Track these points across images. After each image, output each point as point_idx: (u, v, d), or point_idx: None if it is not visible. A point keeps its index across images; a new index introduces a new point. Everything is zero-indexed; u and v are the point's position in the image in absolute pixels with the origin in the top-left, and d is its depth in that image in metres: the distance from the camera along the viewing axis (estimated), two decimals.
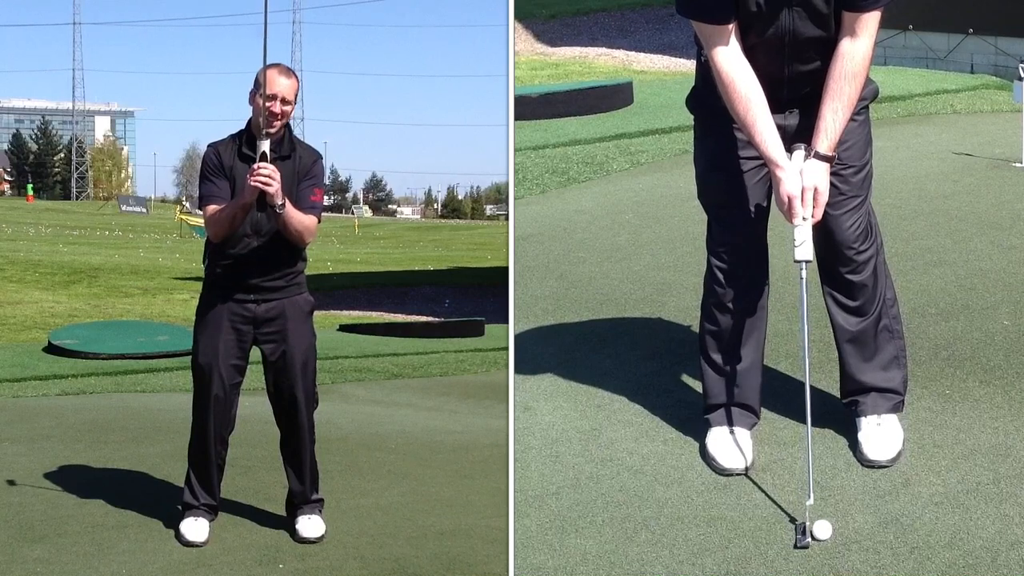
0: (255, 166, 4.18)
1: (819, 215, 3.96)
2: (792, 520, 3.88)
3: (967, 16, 13.36)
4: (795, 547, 3.74)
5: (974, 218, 6.99)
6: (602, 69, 15.73)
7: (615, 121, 11.61)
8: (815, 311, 5.29)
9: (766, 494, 4.05)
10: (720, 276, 4.27)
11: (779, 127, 4.04)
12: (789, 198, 3.91)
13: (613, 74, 15.13)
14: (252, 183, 4.17)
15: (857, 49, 3.88)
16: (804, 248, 3.94)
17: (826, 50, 3.93)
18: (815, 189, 3.92)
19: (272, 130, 4.32)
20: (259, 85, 4.31)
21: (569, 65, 15.95)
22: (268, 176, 4.17)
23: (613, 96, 12.48)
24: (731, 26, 3.89)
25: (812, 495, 3.82)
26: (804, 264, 3.96)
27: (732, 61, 3.91)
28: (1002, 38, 13.13)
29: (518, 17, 17.83)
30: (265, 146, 4.22)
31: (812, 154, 3.93)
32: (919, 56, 13.77)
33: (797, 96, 4.03)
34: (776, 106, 4.01)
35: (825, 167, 3.94)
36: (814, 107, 3.98)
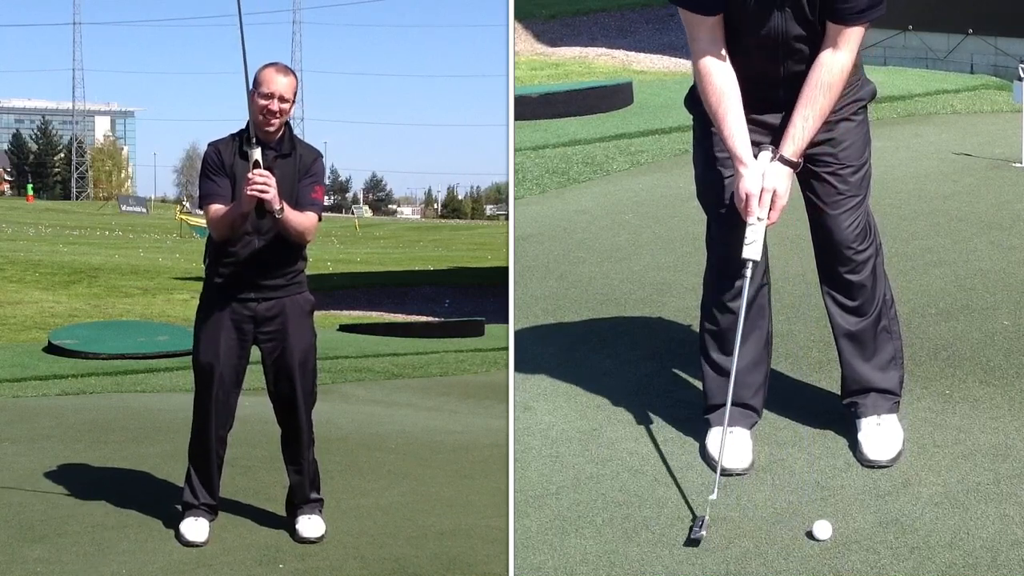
0: (249, 174, 4.18)
1: (775, 218, 4.00)
2: (792, 520, 3.88)
3: (967, 16, 13.35)
4: (687, 541, 3.77)
5: (974, 218, 6.99)
6: (602, 69, 15.72)
7: (615, 121, 11.61)
8: (815, 311, 5.30)
9: (765, 495, 4.05)
10: (720, 275, 4.27)
11: (773, 127, 4.05)
12: (747, 195, 3.95)
13: (613, 74, 15.12)
14: (249, 192, 4.17)
15: (836, 61, 3.91)
16: (753, 247, 4.00)
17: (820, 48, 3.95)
18: (774, 191, 3.95)
19: (270, 128, 4.33)
20: (257, 84, 4.31)
21: (569, 65, 15.95)
22: (264, 183, 4.17)
23: (613, 96, 12.47)
24: (716, 19, 3.92)
25: (716, 491, 3.89)
26: (750, 263, 4.01)
27: (711, 54, 3.95)
28: (1002, 38, 13.12)
29: (518, 17, 17.82)
30: (257, 154, 4.21)
31: (776, 157, 3.96)
32: (919, 56, 13.77)
33: (792, 97, 4.03)
34: (772, 106, 4.03)
35: (788, 172, 3.98)
36: None
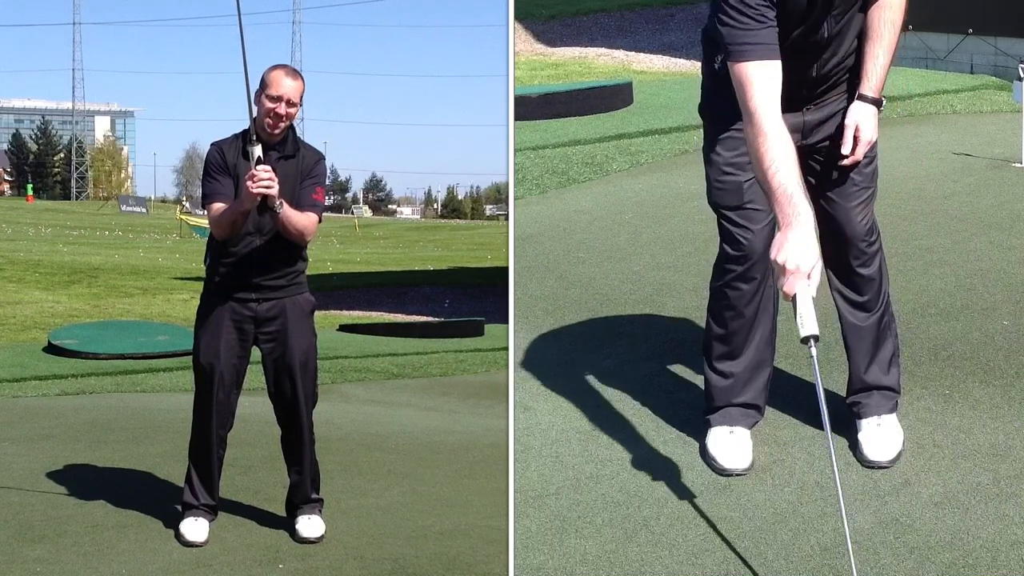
0: (252, 172, 4.19)
1: (861, 155, 3.98)
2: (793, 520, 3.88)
3: (967, 16, 13.35)
4: None
5: (974, 218, 7.00)
6: (602, 69, 15.73)
7: (615, 121, 11.60)
8: (816, 311, 5.30)
9: (765, 495, 4.05)
10: (729, 278, 4.25)
11: (797, 123, 4.05)
12: (796, 267, 3.47)
13: (613, 74, 15.13)
14: (254, 190, 4.17)
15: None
16: (810, 323, 3.48)
17: (849, 44, 3.98)
18: (856, 127, 3.96)
19: (276, 132, 4.33)
20: (265, 85, 4.31)
21: (569, 65, 15.96)
22: (268, 180, 4.18)
23: (613, 96, 12.46)
24: (776, 62, 3.70)
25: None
26: (812, 340, 3.50)
27: (770, 108, 3.65)
28: (1002, 38, 13.12)
29: (518, 17, 17.83)
30: (258, 151, 4.23)
31: (856, 96, 3.98)
32: (919, 56, 13.76)
33: (816, 94, 4.06)
34: (796, 104, 4.03)
35: (870, 109, 3.97)
36: (829, 103, 4.05)
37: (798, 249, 3.48)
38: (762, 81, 3.67)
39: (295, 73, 4.36)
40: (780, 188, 3.55)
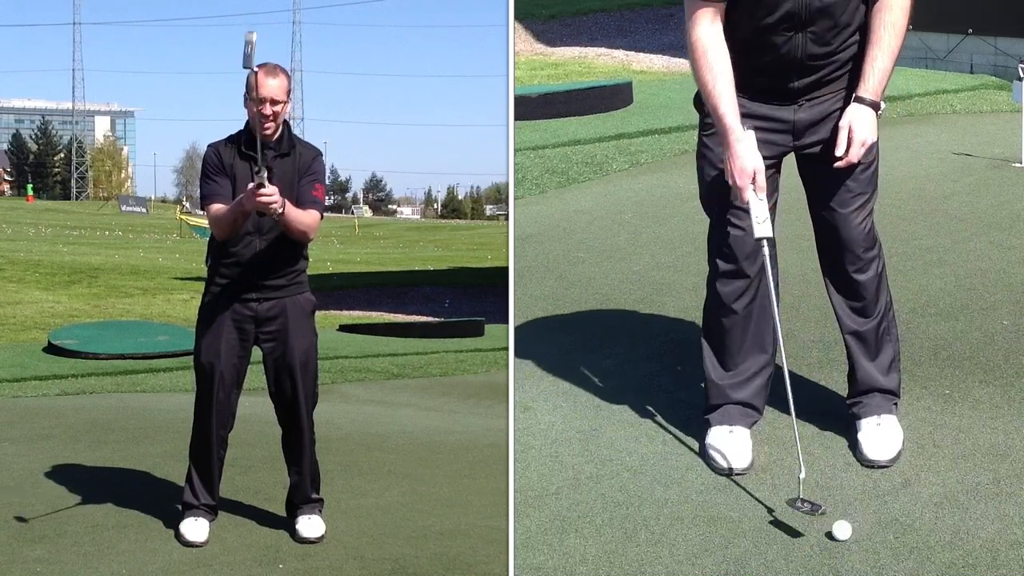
0: (256, 196, 4.15)
1: (855, 156, 3.98)
2: (791, 523, 3.87)
3: (967, 16, 13.35)
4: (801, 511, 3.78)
5: (974, 218, 7.00)
6: (602, 69, 15.72)
7: (615, 121, 11.61)
8: (815, 311, 5.31)
9: (765, 495, 4.05)
10: (723, 276, 4.26)
11: (788, 122, 4.04)
12: (743, 171, 3.90)
13: (613, 74, 15.12)
14: (256, 200, 4.16)
15: (896, 1, 3.93)
16: (764, 225, 3.94)
17: (841, 33, 3.95)
18: (849, 128, 3.95)
19: (269, 131, 4.33)
20: (248, 89, 4.30)
21: (569, 65, 15.95)
22: (272, 201, 4.16)
23: (613, 96, 12.47)
24: (720, 7, 3.94)
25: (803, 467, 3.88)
26: (764, 241, 3.97)
27: (711, 35, 3.95)
28: (1001, 38, 13.12)
29: (518, 17, 17.82)
30: (265, 175, 4.18)
31: (853, 98, 3.98)
32: (919, 56, 13.76)
33: (807, 85, 4.03)
34: (786, 97, 4.02)
35: (866, 111, 3.97)
36: (822, 102, 4.02)
37: (739, 162, 3.91)
38: (710, 19, 3.95)
39: (276, 70, 4.33)
40: (719, 116, 3.94)
